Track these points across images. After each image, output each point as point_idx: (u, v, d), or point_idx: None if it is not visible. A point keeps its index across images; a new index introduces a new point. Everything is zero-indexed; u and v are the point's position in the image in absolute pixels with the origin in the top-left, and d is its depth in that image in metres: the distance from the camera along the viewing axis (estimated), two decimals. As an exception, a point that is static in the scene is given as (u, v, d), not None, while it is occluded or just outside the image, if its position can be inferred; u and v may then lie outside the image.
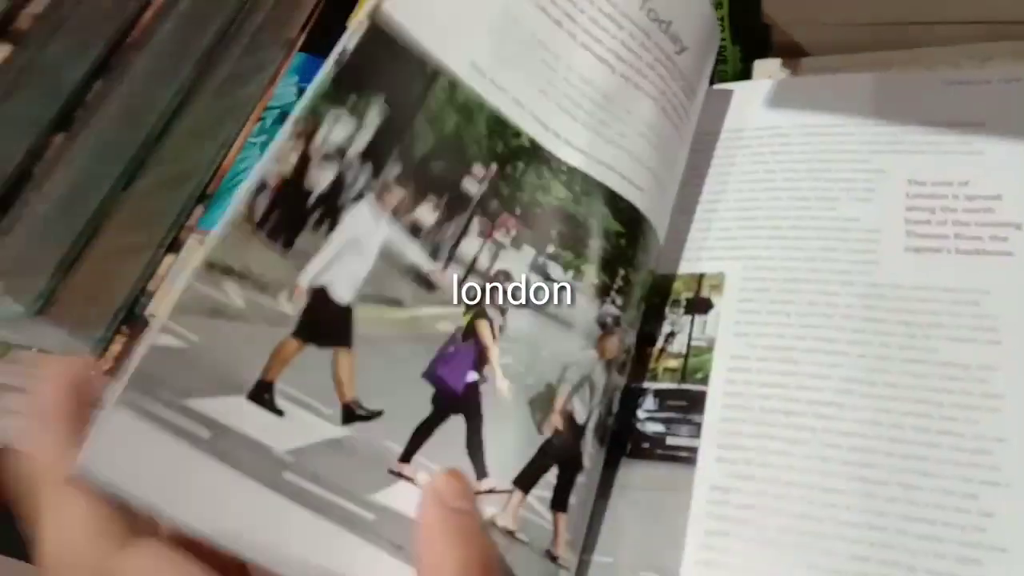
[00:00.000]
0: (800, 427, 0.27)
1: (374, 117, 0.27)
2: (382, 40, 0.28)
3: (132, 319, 0.35)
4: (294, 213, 0.25)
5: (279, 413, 0.24)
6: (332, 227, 0.26)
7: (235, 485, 0.23)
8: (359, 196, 0.27)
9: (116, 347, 0.34)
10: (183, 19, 0.35)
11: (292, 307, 0.25)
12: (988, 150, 0.31)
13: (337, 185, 0.26)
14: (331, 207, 0.26)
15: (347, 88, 0.27)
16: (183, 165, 0.37)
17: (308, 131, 0.26)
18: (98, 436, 0.21)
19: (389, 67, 0.28)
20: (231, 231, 0.24)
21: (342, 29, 0.40)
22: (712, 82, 0.38)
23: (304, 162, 0.26)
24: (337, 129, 0.27)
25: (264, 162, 0.25)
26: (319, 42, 0.41)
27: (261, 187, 0.25)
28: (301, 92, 0.39)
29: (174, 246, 0.36)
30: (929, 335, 0.28)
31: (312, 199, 0.26)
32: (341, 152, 0.26)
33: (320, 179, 0.26)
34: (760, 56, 0.41)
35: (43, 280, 0.31)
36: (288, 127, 0.26)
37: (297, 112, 0.26)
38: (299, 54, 0.41)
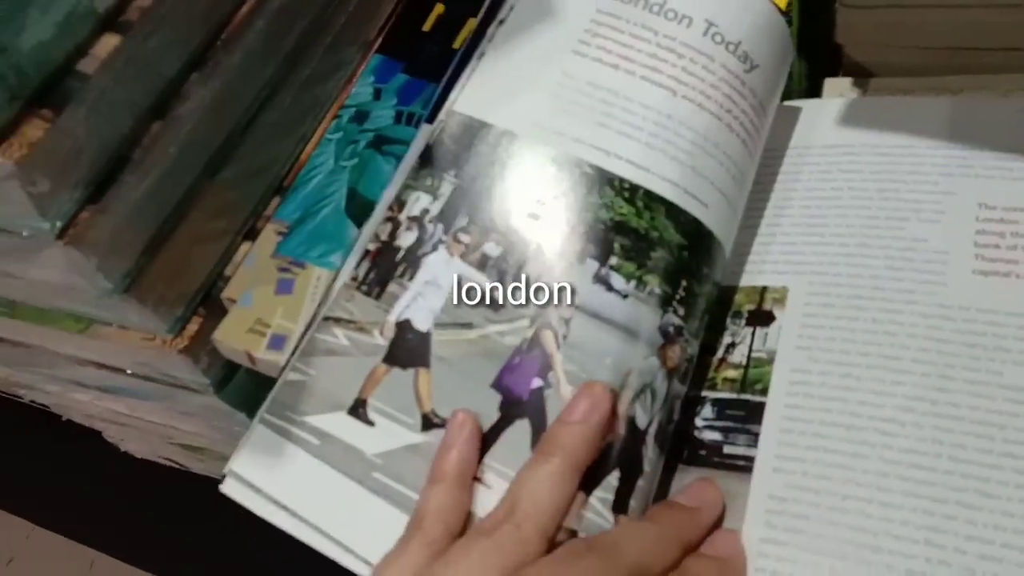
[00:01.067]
0: (860, 442, 0.27)
1: (446, 189, 0.33)
2: (452, 131, 0.34)
3: (208, 301, 0.36)
4: (386, 268, 0.32)
5: (371, 424, 0.29)
6: (414, 275, 0.32)
7: (334, 482, 0.28)
8: (435, 247, 0.32)
9: (193, 327, 0.36)
10: (273, 18, 0.36)
11: (383, 339, 0.31)
12: None
13: (417, 242, 0.32)
14: (413, 259, 0.32)
15: (425, 174, 0.33)
16: (263, 158, 0.38)
17: (397, 207, 0.33)
18: (244, 447, 0.29)
19: (458, 149, 0.33)
20: (340, 291, 0.32)
21: (417, 32, 0.41)
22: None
23: (396, 227, 0.33)
24: (418, 204, 0.33)
25: (363, 238, 0.33)
26: (395, 44, 0.42)
27: (363, 256, 0.32)
28: (377, 92, 0.41)
29: (251, 234, 0.38)
30: (994, 358, 0.28)
31: (399, 255, 0.32)
32: (420, 218, 0.33)
33: (406, 239, 0.32)
34: (827, 74, 0.42)
35: (132, 260, 0.32)
36: (380, 209, 0.34)
37: (386, 197, 0.34)
38: (376, 55, 0.42)
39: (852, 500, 0.26)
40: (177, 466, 0.58)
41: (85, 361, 0.41)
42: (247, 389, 0.39)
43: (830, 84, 0.40)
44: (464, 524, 0.27)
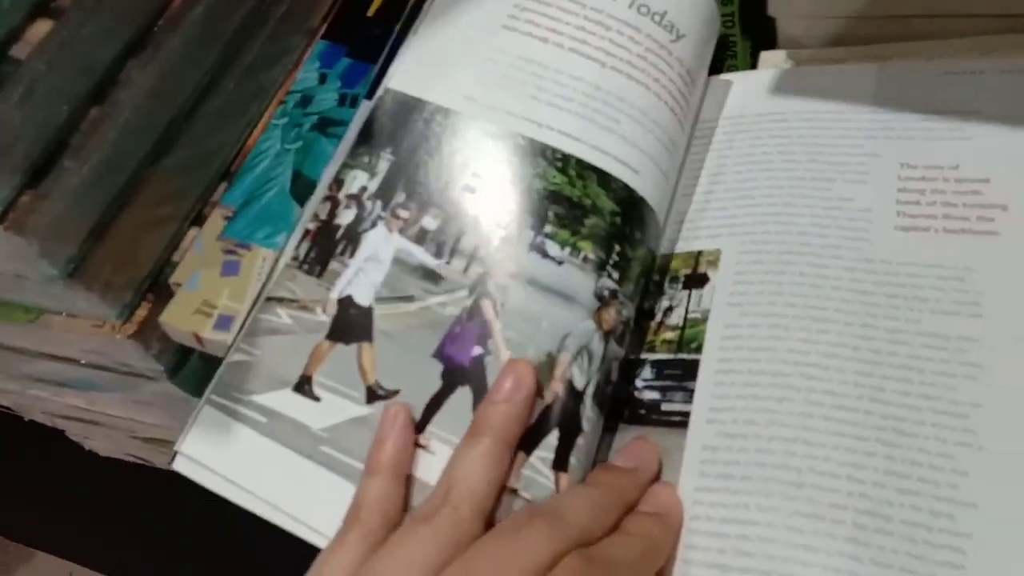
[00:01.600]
0: (786, 387, 0.28)
1: (383, 166, 0.33)
2: (387, 109, 0.34)
3: (157, 287, 0.37)
4: (326, 247, 0.32)
5: (316, 399, 0.30)
6: (354, 252, 0.32)
7: (283, 457, 0.29)
8: (374, 224, 0.33)
9: (142, 312, 0.36)
10: (212, 5, 0.36)
11: (326, 316, 0.31)
12: (979, 136, 0.32)
13: (356, 220, 0.33)
14: (353, 236, 0.32)
15: (362, 152, 0.34)
16: (209, 144, 0.38)
17: (335, 186, 0.34)
18: (193, 427, 0.30)
19: (393, 126, 0.34)
20: (282, 271, 0.32)
21: (362, 19, 0.42)
22: (721, 74, 0.39)
23: (335, 205, 0.33)
24: (356, 182, 0.33)
25: (304, 218, 0.34)
26: (339, 30, 0.43)
27: (304, 235, 0.33)
28: (322, 77, 0.41)
29: (198, 220, 0.38)
30: (913, 307, 0.29)
31: (339, 233, 0.33)
32: (359, 196, 0.33)
33: (345, 217, 0.33)
34: (769, 49, 0.43)
35: (76, 245, 0.33)
36: (320, 189, 0.35)
37: (325, 177, 0.35)
38: (321, 41, 0.42)
39: (778, 441, 0.27)
40: (143, 462, 0.58)
41: (39, 354, 0.41)
42: (201, 375, 0.39)
43: (765, 57, 0.41)
44: (401, 514, 0.27)
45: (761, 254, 0.32)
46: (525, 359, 0.29)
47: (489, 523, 0.26)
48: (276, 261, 0.34)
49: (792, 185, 0.33)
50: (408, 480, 0.28)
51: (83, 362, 0.41)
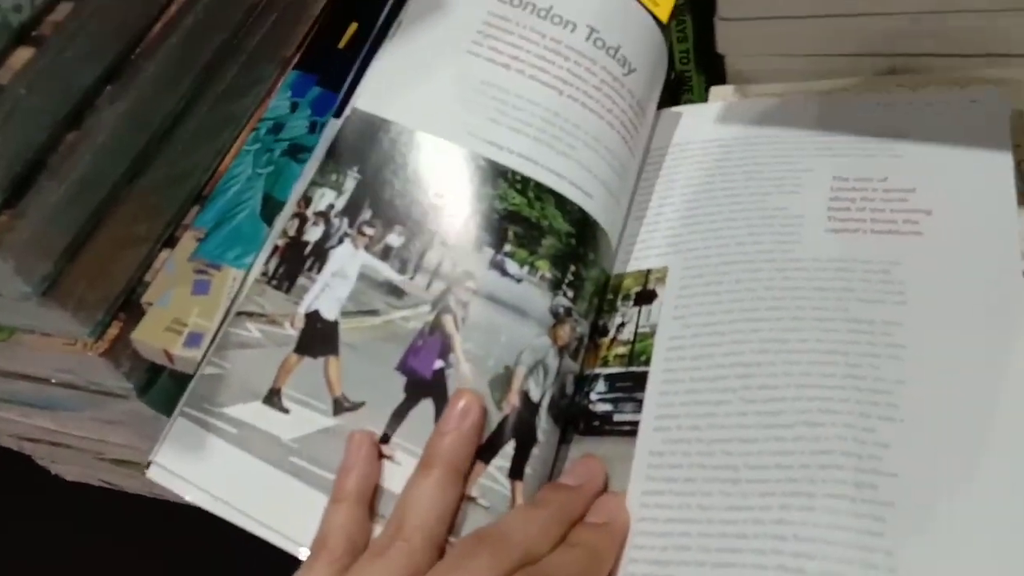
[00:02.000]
0: (724, 389, 0.29)
1: (350, 184, 0.35)
2: (354, 128, 0.36)
3: (129, 306, 0.38)
4: (295, 263, 0.34)
5: (285, 411, 0.31)
6: (321, 267, 0.34)
7: (254, 467, 0.30)
8: (340, 240, 0.34)
9: (113, 331, 0.37)
10: (187, 34, 0.38)
11: (294, 330, 0.32)
12: (907, 153, 0.35)
13: (324, 236, 0.34)
14: (320, 252, 0.34)
15: (330, 170, 0.35)
16: (183, 167, 0.40)
17: (304, 204, 0.35)
18: (166, 439, 0.31)
19: (360, 145, 0.36)
20: (252, 286, 0.33)
21: (333, 50, 0.44)
22: (676, 106, 0.42)
23: (303, 222, 0.35)
24: (323, 199, 0.35)
25: (273, 235, 0.35)
26: (312, 61, 0.45)
27: (273, 251, 0.34)
28: (294, 106, 0.43)
29: (171, 241, 0.39)
30: (841, 298, 0.31)
31: (307, 249, 0.34)
32: (327, 213, 0.35)
33: (313, 234, 0.34)
34: (720, 84, 0.45)
35: (50, 263, 0.34)
36: (289, 206, 0.35)
37: (294, 195, 0.36)
38: (293, 71, 0.44)
39: (718, 443, 0.28)
40: (110, 487, 0.58)
41: (9, 373, 0.42)
42: (171, 393, 0.40)
43: (715, 91, 0.44)
44: (366, 540, 0.28)
45: (702, 268, 0.34)
46: (471, 390, 0.30)
47: (442, 550, 0.28)
48: (245, 278, 0.35)
49: (731, 202, 0.35)
50: (371, 509, 0.29)
51: (53, 381, 0.41)
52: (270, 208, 0.39)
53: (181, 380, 0.36)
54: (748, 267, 0.33)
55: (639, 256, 0.36)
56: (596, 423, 0.33)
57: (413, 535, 0.27)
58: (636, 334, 0.34)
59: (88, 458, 0.53)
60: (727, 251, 0.34)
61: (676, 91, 0.49)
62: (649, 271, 0.35)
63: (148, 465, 0.31)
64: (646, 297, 0.35)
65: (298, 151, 0.41)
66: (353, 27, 0.45)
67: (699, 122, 0.40)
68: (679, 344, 0.32)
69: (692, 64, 0.50)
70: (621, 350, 0.34)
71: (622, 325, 0.35)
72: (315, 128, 0.41)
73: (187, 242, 0.38)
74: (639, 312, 0.34)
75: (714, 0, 0.41)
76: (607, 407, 0.33)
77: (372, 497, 0.29)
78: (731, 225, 0.34)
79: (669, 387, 0.31)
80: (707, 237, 0.34)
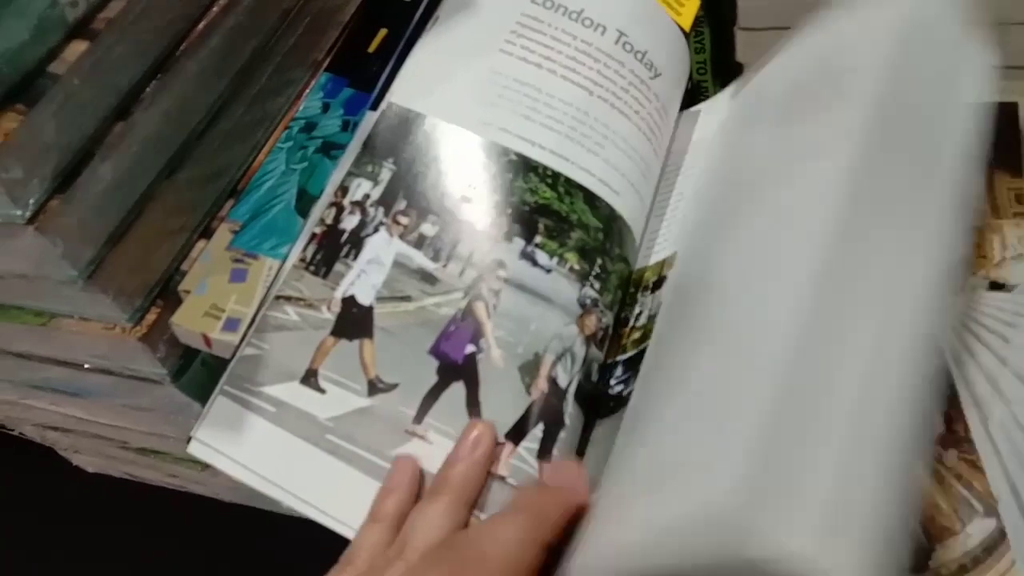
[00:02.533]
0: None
1: (386, 175, 0.36)
2: (390, 122, 0.37)
3: (166, 293, 0.39)
4: (332, 249, 0.35)
5: (322, 391, 0.32)
6: (357, 254, 0.35)
7: (291, 444, 0.31)
8: (376, 229, 0.35)
9: (151, 317, 0.38)
10: (228, 35, 0.40)
11: (331, 314, 0.34)
12: None
13: (360, 225, 0.35)
14: (356, 240, 0.35)
15: (366, 161, 0.37)
16: (218, 162, 0.41)
17: (341, 193, 0.36)
18: (207, 417, 0.32)
19: (395, 137, 0.37)
20: (290, 271, 0.35)
21: (363, 54, 0.45)
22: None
23: (340, 211, 0.36)
24: (360, 189, 0.36)
25: (310, 223, 0.36)
26: (342, 64, 0.46)
27: (310, 239, 0.35)
28: (326, 107, 0.44)
29: (206, 232, 0.41)
30: None
31: (344, 237, 0.35)
32: (362, 203, 0.36)
33: (349, 222, 0.36)
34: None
35: (95, 248, 0.35)
36: (326, 196, 0.37)
37: (331, 185, 0.37)
38: (324, 73, 0.46)
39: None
40: (131, 478, 0.59)
41: (43, 358, 0.43)
42: (202, 380, 0.41)
43: (733, 97, 0.45)
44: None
45: (697, 243, 0.35)
46: (483, 420, 0.31)
47: None
48: (281, 266, 0.37)
49: (726, 186, 0.36)
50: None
51: (87, 367, 0.42)
52: (304, 202, 0.40)
53: (213, 368, 0.38)
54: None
55: (658, 250, 0.38)
56: (612, 404, 0.34)
57: (413, 556, 0.28)
58: (649, 318, 0.35)
59: (113, 447, 0.54)
60: (719, 221, 0.34)
61: (693, 101, 0.51)
62: (664, 260, 0.37)
63: (189, 440, 0.32)
64: (659, 284, 0.36)
65: (331, 148, 0.42)
66: (382, 33, 0.47)
67: (715, 117, 0.41)
68: (671, 316, 0.33)
69: (709, 74, 0.52)
70: (636, 335, 0.35)
71: (640, 314, 0.36)
72: (348, 127, 0.43)
73: (222, 234, 0.40)
74: (652, 298, 0.36)
75: (734, 11, 0.43)
76: (620, 388, 0.34)
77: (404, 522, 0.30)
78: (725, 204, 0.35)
79: (655, 347, 0.32)
80: (709, 217, 0.35)
